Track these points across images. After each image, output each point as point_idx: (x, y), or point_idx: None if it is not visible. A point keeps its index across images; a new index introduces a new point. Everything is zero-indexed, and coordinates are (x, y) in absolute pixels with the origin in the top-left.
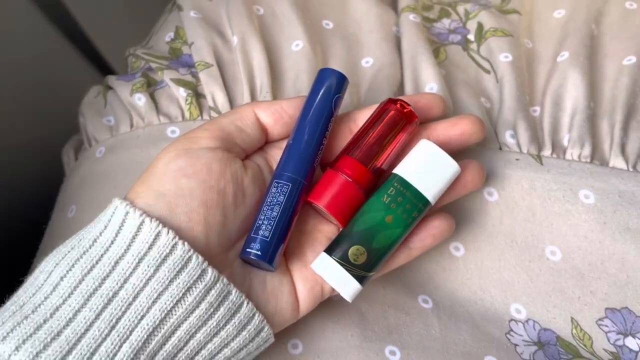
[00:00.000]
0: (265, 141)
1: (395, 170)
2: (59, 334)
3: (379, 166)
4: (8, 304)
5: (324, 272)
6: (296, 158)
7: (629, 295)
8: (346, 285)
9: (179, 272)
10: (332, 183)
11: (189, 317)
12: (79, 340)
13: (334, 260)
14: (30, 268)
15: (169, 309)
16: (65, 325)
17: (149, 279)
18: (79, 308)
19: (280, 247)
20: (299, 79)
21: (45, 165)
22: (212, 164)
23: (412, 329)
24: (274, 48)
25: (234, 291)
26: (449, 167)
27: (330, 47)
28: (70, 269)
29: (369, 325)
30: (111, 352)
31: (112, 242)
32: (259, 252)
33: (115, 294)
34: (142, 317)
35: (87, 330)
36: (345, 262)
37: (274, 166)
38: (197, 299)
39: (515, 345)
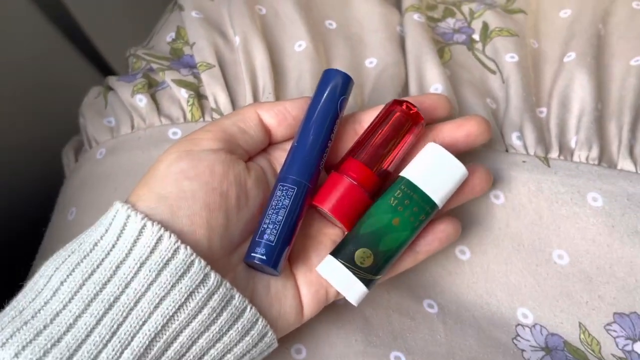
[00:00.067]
0: (269, 143)
1: (403, 173)
2: (59, 340)
3: (385, 169)
4: (7, 309)
5: (329, 275)
6: (301, 161)
7: (638, 300)
8: (352, 289)
9: (181, 276)
10: (337, 186)
11: (191, 322)
12: (79, 346)
13: (340, 263)
14: (30, 271)
15: (171, 314)
16: (65, 331)
17: (151, 283)
18: (79, 313)
19: (285, 252)
20: (302, 79)
21: (44, 166)
22: (215, 166)
23: (417, 334)
24: (277, 48)
25: (237, 296)
26: (457, 170)
27: (333, 48)
28: (70, 274)
29: (374, 331)
30: (112, 358)
31: (113, 246)
32: (264, 257)
33: (117, 299)
34: (144, 322)
35: (87, 336)
36: (351, 265)
37: (278, 168)
38: (199, 304)
39: (522, 350)
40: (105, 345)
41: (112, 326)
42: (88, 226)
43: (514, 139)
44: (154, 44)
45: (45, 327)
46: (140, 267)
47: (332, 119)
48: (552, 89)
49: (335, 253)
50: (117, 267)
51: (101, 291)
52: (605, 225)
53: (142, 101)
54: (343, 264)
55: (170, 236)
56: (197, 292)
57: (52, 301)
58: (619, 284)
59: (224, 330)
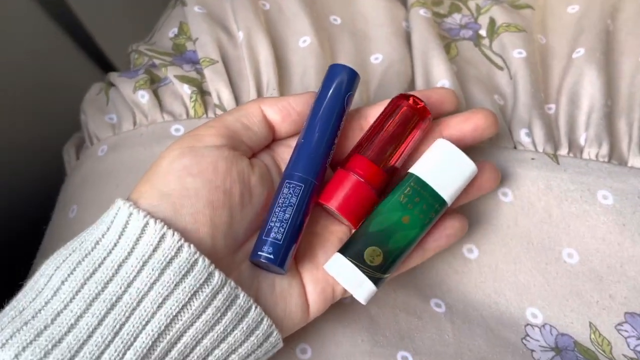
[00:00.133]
0: (272, 139)
1: (412, 170)
2: (60, 340)
3: (392, 165)
4: (7, 309)
5: (337, 273)
6: (307, 158)
7: None
8: (361, 287)
9: (185, 275)
10: (344, 183)
11: (195, 322)
12: (81, 347)
13: (348, 261)
14: (30, 270)
15: (174, 314)
16: (67, 332)
17: (154, 283)
18: (81, 313)
19: (292, 250)
20: (307, 75)
21: (45, 164)
22: (218, 163)
23: (425, 334)
24: (281, 44)
25: (241, 295)
26: (466, 167)
27: (338, 43)
28: (71, 273)
29: (380, 330)
30: (115, 359)
31: (115, 245)
32: (271, 255)
33: (119, 298)
34: (147, 322)
35: (89, 336)
36: (360, 263)
37: (282, 165)
38: (203, 303)
39: (532, 350)
40: (108, 345)
41: (115, 326)
42: (89, 224)
43: (523, 136)
44: (156, 39)
45: (46, 328)
46: (142, 265)
47: (339, 115)
48: (561, 86)
49: (344, 251)
50: (119, 265)
51: (103, 290)
52: (615, 223)
53: (144, 97)
54: (352, 262)
55: (173, 234)
56: (201, 291)
57: (53, 301)
58: (630, 283)
59: (229, 330)
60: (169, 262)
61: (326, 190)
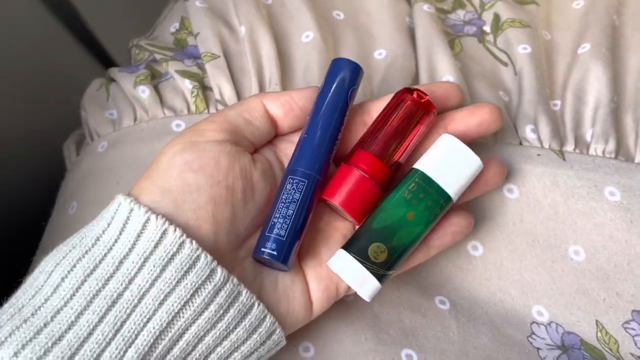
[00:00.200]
0: (275, 134)
1: (416, 165)
2: (60, 338)
3: (396, 160)
4: (6, 306)
5: (341, 269)
6: (311, 153)
7: None
8: (365, 284)
9: (187, 272)
10: (347, 179)
11: (197, 319)
12: (81, 344)
13: (352, 258)
14: (30, 267)
15: (176, 311)
16: (67, 329)
17: (155, 279)
18: (81, 310)
19: (295, 246)
20: (310, 70)
21: (44, 158)
22: (220, 158)
23: (429, 332)
24: (283, 38)
25: (244, 292)
26: (472, 162)
27: (341, 38)
28: (71, 269)
29: (384, 328)
30: (116, 357)
31: (115, 241)
32: (274, 252)
33: (120, 295)
34: (149, 320)
35: (90, 334)
36: (364, 259)
37: (284, 160)
38: (205, 300)
39: (538, 349)
40: (109, 343)
41: (116, 323)
42: (89, 221)
43: (528, 132)
44: (158, 34)
45: (45, 325)
46: (144, 262)
47: (342, 110)
48: (567, 81)
49: (348, 247)
50: (120, 262)
51: (104, 287)
52: (623, 220)
53: (144, 92)
54: (356, 258)
55: (175, 230)
56: (204, 288)
57: (53, 298)
58: (637, 281)
59: (231, 328)
60: (171, 259)
61: (329, 186)
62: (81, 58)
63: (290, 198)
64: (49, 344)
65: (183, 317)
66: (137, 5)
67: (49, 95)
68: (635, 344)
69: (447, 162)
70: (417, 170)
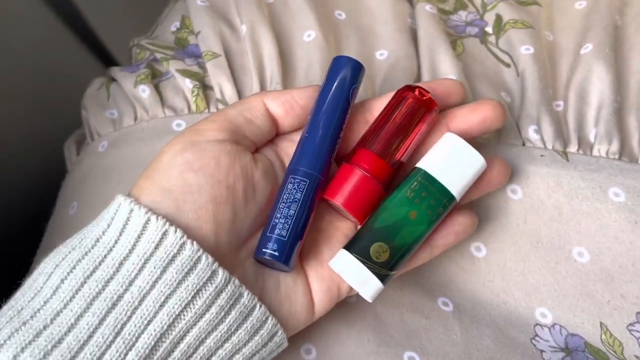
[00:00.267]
0: (276, 133)
1: (419, 165)
2: (60, 341)
3: (398, 159)
4: (5, 308)
5: (343, 270)
6: (312, 152)
7: None
8: (367, 284)
9: (188, 273)
10: (349, 178)
11: (198, 321)
12: (81, 347)
13: (354, 257)
14: (30, 268)
15: (177, 313)
16: (66, 332)
17: (156, 281)
18: (81, 313)
19: (297, 247)
20: (311, 70)
21: (45, 159)
22: (221, 158)
23: (432, 334)
24: (285, 38)
25: (245, 293)
26: (476, 161)
27: (343, 38)
28: (71, 271)
29: (386, 330)
30: None
31: (116, 242)
32: (276, 252)
33: (120, 297)
34: (149, 322)
35: (90, 337)
36: (366, 259)
37: (285, 160)
38: (207, 302)
39: (542, 351)
40: (109, 346)
41: (116, 326)
42: (90, 221)
43: (531, 133)
44: (158, 33)
45: (45, 328)
46: (144, 263)
47: (343, 108)
48: (569, 82)
49: (349, 247)
50: (121, 263)
51: (104, 289)
52: (627, 221)
53: (145, 92)
54: (358, 258)
55: (175, 231)
56: (205, 289)
57: (52, 300)
58: None
59: (233, 330)
60: (172, 260)
61: (331, 185)
62: (82, 57)
63: (292, 198)
64: (49, 347)
65: (184, 319)
66: (137, 4)
67: (49, 94)
68: None
69: (450, 161)
70: (419, 169)
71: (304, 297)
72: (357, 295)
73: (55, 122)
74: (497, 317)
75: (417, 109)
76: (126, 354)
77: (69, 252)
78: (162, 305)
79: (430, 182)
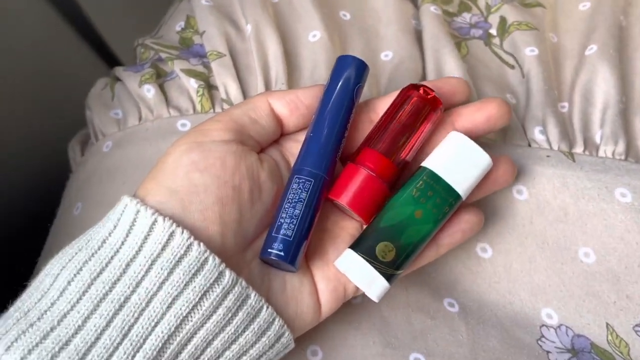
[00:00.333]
0: (281, 133)
1: (424, 163)
2: (67, 343)
3: (404, 158)
4: (11, 310)
5: (348, 269)
6: (317, 152)
7: None
8: (373, 284)
9: (195, 274)
10: (354, 178)
11: (205, 323)
12: (89, 349)
13: (360, 257)
14: (34, 269)
15: (184, 314)
16: (74, 334)
17: (163, 282)
18: (88, 314)
19: (303, 247)
20: (317, 70)
21: (45, 159)
22: (226, 158)
23: (438, 335)
24: (290, 38)
25: (252, 295)
26: (481, 159)
27: (348, 39)
28: (78, 272)
29: (392, 331)
30: None
31: (122, 243)
32: (282, 253)
33: (127, 299)
34: (157, 323)
35: (97, 338)
36: (372, 258)
37: (290, 160)
38: (214, 303)
39: (548, 352)
40: (117, 348)
41: (123, 328)
42: (94, 222)
43: (537, 134)
44: (163, 33)
45: (52, 329)
46: (151, 264)
47: (348, 108)
48: (574, 83)
49: (355, 247)
50: (127, 265)
51: (111, 291)
52: (634, 222)
53: (150, 92)
54: (363, 257)
55: (182, 232)
56: (212, 291)
57: (59, 302)
58: None
59: (240, 331)
60: (178, 261)
61: (336, 185)
62: (83, 56)
63: (297, 197)
64: (56, 349)
65: (191, 320)
66: (139, 3)
67: (50, 94)
68: None
69: (455, 160)
70: (425, 168)
71: (310, 297)
72: (363, 296)
73: (56, 122)
74: (503, 317)
75: (422, 108)
76: (134, 356)
77: (76, 254)
78: (169, 307)
79: (435, 181)
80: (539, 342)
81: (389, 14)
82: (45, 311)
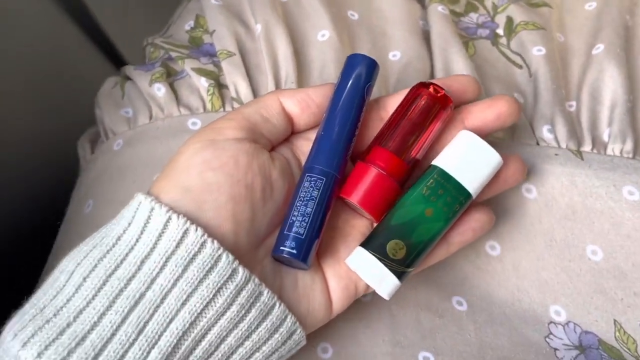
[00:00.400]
0: (291, 132)
1: (435, 162)
2: (83, 338)
3: (414, 156)
4: (27, 306)
5: (359, 267)
6: (328, 150)
7: None
8: (384, 282)
9: (209, 272)
10: (365, 177)
11: (219, 319)
12: (105, 345)
13: (370, 255)
14: (45, 266)
15: (199, 311)
16: (90, 330)
17: (177, 279)
18: (104, 311)
19: (315, 245)
20: (325, 69)
21: (49, 159)
22: (239, 156)
23: (446, 333)
24: (299, 37)
25: (265, 292)
26: (492, 158)
27: (356, 39)
28: (93, 269)
29: (401, 330)
30: (139, 358)
31: (137, 240)
32: (294, 250)
33: (142, 295)
34: (171, 320)
35: (113, 334)
36: (382, 256)
37: (302, 158)
38: (227, 300)
39: (555, 349)
40: (132, 344)
41: (139, 324)
42: (106, 219)
43: (545, 132)
44: (172, 32)
45: (68, 325)
46: (166, 261)
47: (359, 106)
48: (582, 82)
49: (366, 244)
50: (142, 261)
51: (126, 287)
52: None
53: (160, 90)
54: (374, 255)
55: (196, 229)
56: (225, 288)
57: (75, 298)
58: None
59: (253, 328)
60: (193, 258)
61: (347, 184)
62: (91, 56)
63: (309, 196)
64: (73, 345)
65: (205, 317)
66: (145, 3)
67: (58, 93)
68: None
69: (466, 159)
70: (435, 167)
71: (321, 295)
72: (373, 294)
73: (61, 121)
74: (511, 315)
75: (432, 106)
76: (149, 352)
77: (90, 251)
78: (183, 304)
79: (446, 180)
80: (547, 339)
81: (396, 14)
82: (61, 307)
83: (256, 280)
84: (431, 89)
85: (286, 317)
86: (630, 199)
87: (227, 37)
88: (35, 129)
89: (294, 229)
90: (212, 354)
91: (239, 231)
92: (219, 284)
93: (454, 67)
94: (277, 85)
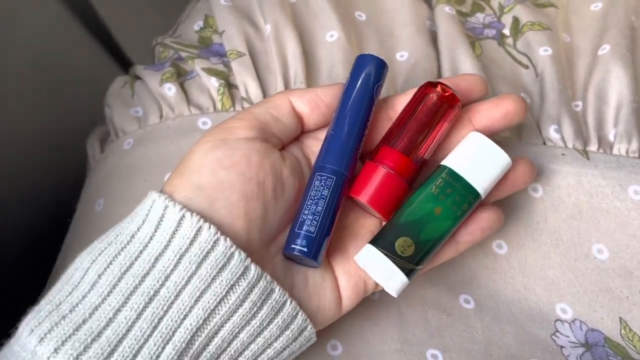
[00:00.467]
0: (301, 131)
1: (444, 162)
2: (99, 334)
3: (422, 155)
4: (43, 303)
5: (368, 264)
6: (338, 149)
7: None
8: (392, 279)
9: (222, 269)
10: (373, 176)
11: (232, 316)
12: (120, 341)
13: (379, 252)
14: (56, 263)
15: (212, 308)
16: (105, 326)
17: (191, 276)
18: (119, 307)
19: (325, 243)
20: (334, 70)
21: (52, 158)
22: (251, 155)
23: (454, 331)
24: (308, 37)
25: (277, 289)
26: (501, 159)
27: (364, 39)
28: (108, 266)
29: (410, 328)
30: (154, 353)
31: (151, 238)
32: (305, 248)
33: (157, 292)
34: (185, 316)
35: (128, 330)
36: (391, 253)
37: (311, 157)
38: (240, 297)
39: (562, 347)
40: (147, 340)
41: (153, 320)
42: (117, 217)
43: (552, 132)
44: (181, 32)
45: (84, 322)
46: (179, 259)
47: (368, 106)
48: (588, 83)
49: (375, 242)
50: (156, 259)
51: (140, 284)
52: None
53: (170, 90)
54: (383, 252)
55: (209, 227)
56: (238, 285)
57: (91, 294)
58: None
59: (265, 325)
60: (206, 256)
61: (356, 183)
62: (94, 54)
63: (319, 195)
64: (88, 340)
65: (219, 313)
66: (149, 3)
67: (63, 93)
68: None
69: (475, 159)
70: (444, 167)
71: (331, 292)
72: (381, 292)
73: (67, 120)
74: (518, 313)
75: (440, 105)
76: (164, 348)
77: (105, 248)
78: (197, 300)
79: (455, 179)
80: (553, 337)
81: (403, 15)
82: (77, 304)
83: (268, 277)
84: (439, 89)
85: (297, 314)
86: (636, 198)
87: (236, 38)
88: (42, 129)
89: (305, 227)
90: (224, 350)
91: (251, 229)
92: (232, 282)
93: (461, 67)
94: (287, 85)
